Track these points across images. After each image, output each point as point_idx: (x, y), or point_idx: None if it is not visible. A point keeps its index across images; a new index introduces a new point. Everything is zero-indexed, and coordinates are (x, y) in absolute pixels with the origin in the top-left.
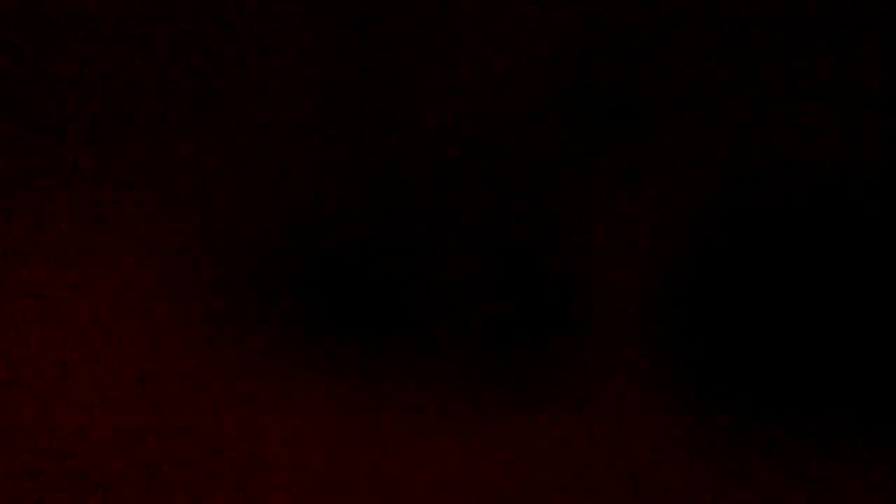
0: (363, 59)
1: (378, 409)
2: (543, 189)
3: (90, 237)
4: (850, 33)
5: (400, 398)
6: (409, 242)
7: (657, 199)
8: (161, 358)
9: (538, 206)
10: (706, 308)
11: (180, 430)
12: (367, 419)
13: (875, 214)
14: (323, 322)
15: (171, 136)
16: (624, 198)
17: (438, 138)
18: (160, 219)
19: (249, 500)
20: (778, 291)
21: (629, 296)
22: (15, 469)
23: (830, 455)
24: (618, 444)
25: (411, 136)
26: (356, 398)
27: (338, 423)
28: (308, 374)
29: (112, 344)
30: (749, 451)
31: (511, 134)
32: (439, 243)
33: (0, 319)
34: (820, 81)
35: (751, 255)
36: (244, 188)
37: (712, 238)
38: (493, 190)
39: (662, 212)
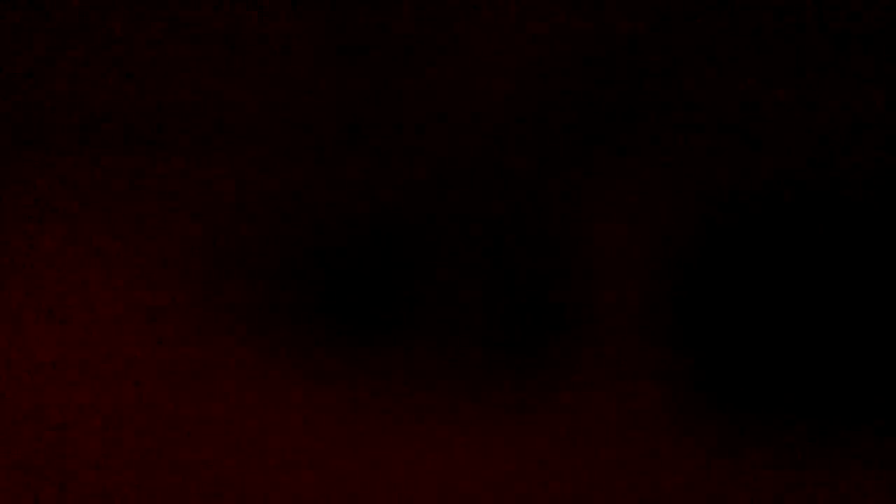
0: (364, 60)
1: (379, 409)
2: (544, 190)
3: (91, 240)
4: (847, 40)
5: (400, 397)
6: (410, 243)
7: (658, 201)
8: (161, 359)
9: (538, 207)
10: (707, 309)
11: (181, 430)
12: (368, 419)
13: (876, 217)
14: (323, 323)
15: (171, 139)
16: (625, 198)
17: (439, 140)
18: (161, 221)
19: (250, 499)
20: (778, 292)
21: (630, 297)
22: (14, 468)
23: (831, 455)
24: (618, 444)
25: (412, 137)
26: (357, 398)
27: (338, 423)
28: (308, 374)
29: (112, 345)
30: (749, 452)
31: (512, 135)
32: (440, 244)
33: (1, 320)
34: (821, 83)
35: (752, 256)
36: (245, 191)
37: (713, 239)
38: (493, 191)
39: (663, 213)
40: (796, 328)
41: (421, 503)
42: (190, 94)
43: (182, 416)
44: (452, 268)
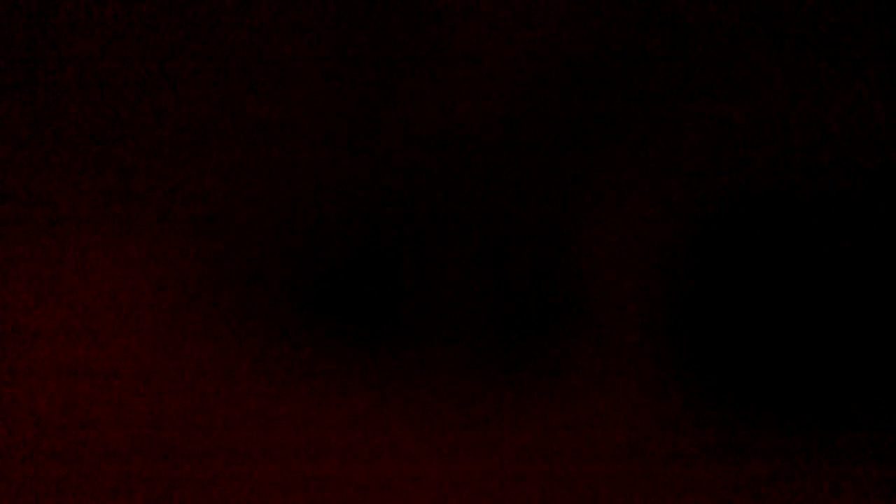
0: (363, 61)
1: (379, 409)
2: (543, 190)
3: (91, 239)
4: (847, 38)
5: (400, 397)
6: (409, 243)
7: (657, 200)
8: (161, 358)
9: (538, 208)
10: (706, 309)
11: (180, 429)
12: (368, 419)
13: (877, 217)
14: (323, 323)
15: (171, 138)
16: (624, 198)
17: (439, 140)
18: (162, 220)
19: (249, 499)
20: (777, 292)
21: (630, 297)
22: (15, 467)
23: (830, 455)
24: (618, 444)
25: (412, 137)
26: (356, 399)
27: (338, 423)
28: (308, 374)
29: (113, 343)
30: (749, 451)
31: (511, 135)
32: (439, 244)
33: (1, 320)
34: (821, 82)
35: (750, 256)
36: (245, 189)
37: (712, 239)
38: (493, 191)
39: (663, 212)
40: (797, 328)
41: (419, 501)
42: (190, 96)
43: (182, 418)
44: (450, 269)
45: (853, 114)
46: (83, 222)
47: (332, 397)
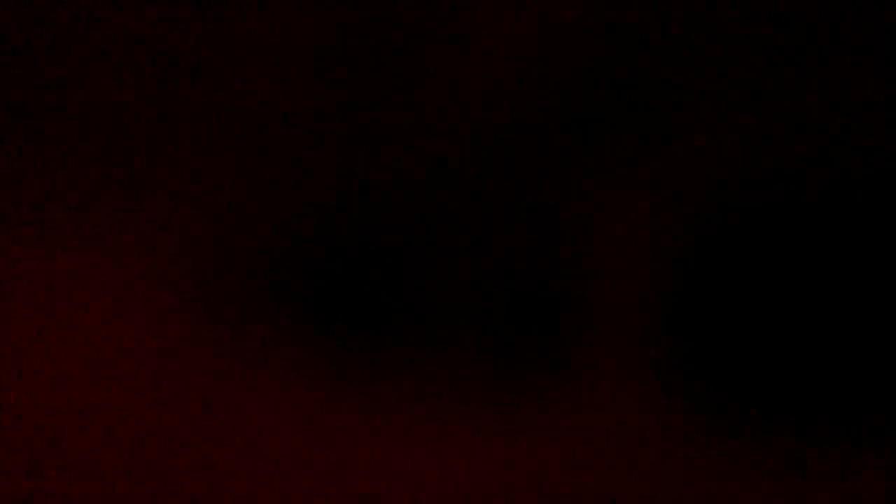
0: (364, 60)
1: (378, 410)
2: (543, 190)
3: (90, 237)
4: (849, 36)
5: (399, 398)
6: (408, 243)
7: (657, 201)
8: (159, 356)
9: (538, 208)
10: (706, 309)
11: (178, 428)
12: (367, 420)
13: (877, 217)
14: (322, 322)
15: (170, 136)
16: (624, 199)
17: (439, 140)
18: (160, 218)
19: (246, 498)
20: (777, 291)
21: (629, 297)
22: (13, 465)
23: (830, 454)
24: (617, 445)
25: (411, 137)
26: (355, 399)
27: (337, 423)
28: (306, 374)
29: (111, 341)
30: (749, 452)
31: (512, 135)
32: (438, 244)
33: (1, 317)
34: (820, 83)
35: (750, 257)
36: (244, 188)
37: (712, 240)
38: (493, 191)
39: (662, 213)
40: (797, 328)
41: (417, 501)
42: (190, 93)
43: (183, 419)
44: (450, 269)
45: (853, 114)
46: (80, 221)
47: (332, 396)
